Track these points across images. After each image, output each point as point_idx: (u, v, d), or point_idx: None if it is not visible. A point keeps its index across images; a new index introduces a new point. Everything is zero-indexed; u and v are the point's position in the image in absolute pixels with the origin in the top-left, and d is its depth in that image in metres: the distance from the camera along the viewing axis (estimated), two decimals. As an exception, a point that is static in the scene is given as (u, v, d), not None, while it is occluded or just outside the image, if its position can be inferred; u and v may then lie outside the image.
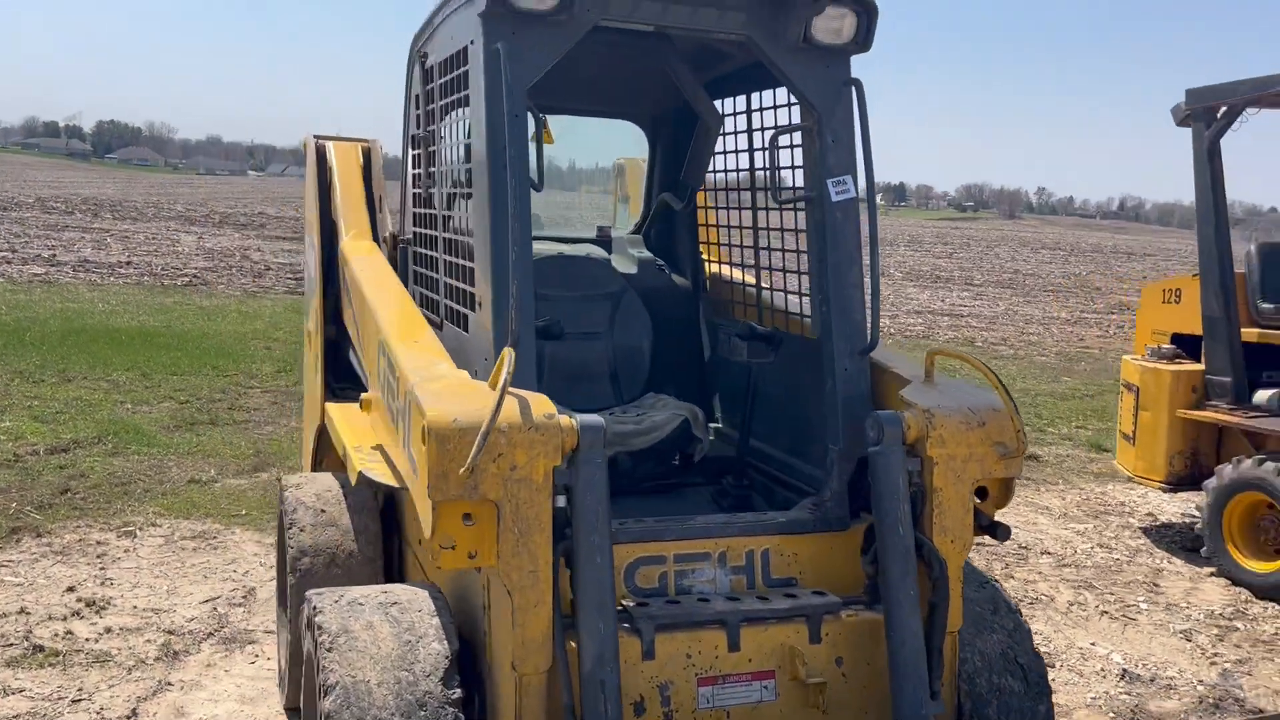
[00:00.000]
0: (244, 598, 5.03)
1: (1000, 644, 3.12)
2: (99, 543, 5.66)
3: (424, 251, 3.77)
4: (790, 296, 3.66)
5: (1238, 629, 5.34)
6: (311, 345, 4.48)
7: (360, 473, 3.10)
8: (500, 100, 2.86)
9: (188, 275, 18.40)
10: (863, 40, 3.14)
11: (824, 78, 3.16)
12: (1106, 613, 5.51)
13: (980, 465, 2.89)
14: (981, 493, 2.94)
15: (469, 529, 2.51)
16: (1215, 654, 5.00)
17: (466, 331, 3.11)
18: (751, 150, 3.83)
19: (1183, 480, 6.65)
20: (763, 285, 3.80)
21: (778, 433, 3.62)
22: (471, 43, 3.01)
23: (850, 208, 3.21)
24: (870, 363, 3.19)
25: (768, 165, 3.36)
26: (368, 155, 4.70)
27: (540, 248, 4.00)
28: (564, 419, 2.52)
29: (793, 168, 3.47)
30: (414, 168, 3.95)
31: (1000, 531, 2.94)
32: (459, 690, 2.61)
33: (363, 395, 3.41)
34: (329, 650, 2.60)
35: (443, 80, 3.39)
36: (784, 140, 3.38)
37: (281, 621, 4.27)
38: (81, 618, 4.70)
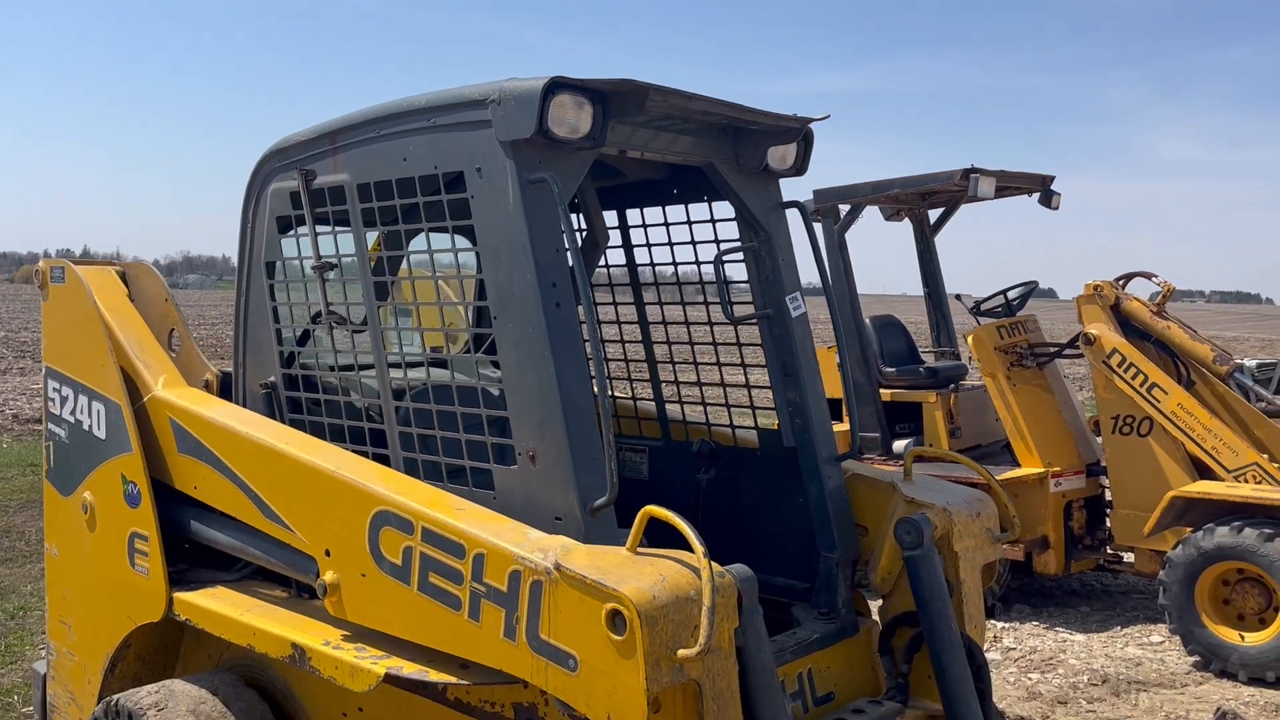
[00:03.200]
0: None
1: None
2: None
3: (330, 398, 3.23)
4: (716, 408, 3.71)
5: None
6: (101, 523, 3.54)
7: (391, 675, 2.58)
8: (554, 230, 2.63)
9: None
10: (800, 165, 3.36)
11: (768, 200, 3.32)
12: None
13: (982, 553, 3.20)
14: None
15: (656, 718, 2.25)
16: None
17: (490, 489, 2.75)
18: (635, 263, 3.84)
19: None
20: (665, 398, 3.80)
21: (726, 547, 3.62)
22: (479, 169, 2.72)
23: (805, 322, 3.39)
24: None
25: (716, 282, 3.41)
26: (125, 282, 3.88)
27: (411, 375, 3.57)
28: (726, 576, 2.37)
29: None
30: (286, 299, 3.36)
31: (997, 610, 3.27)
32: None
33: (325, 578, 2.82)
34: None
35: (382, 204, 2.97)
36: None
37: None
38: None
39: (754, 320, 3.39)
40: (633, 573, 2.26)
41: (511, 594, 2.38)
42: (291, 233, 3.33)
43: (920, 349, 8.29)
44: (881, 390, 7.65)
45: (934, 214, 8.14)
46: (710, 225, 3.53)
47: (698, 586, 2.26)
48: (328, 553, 2.86)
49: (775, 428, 3.44)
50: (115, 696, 3.23)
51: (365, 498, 2.74)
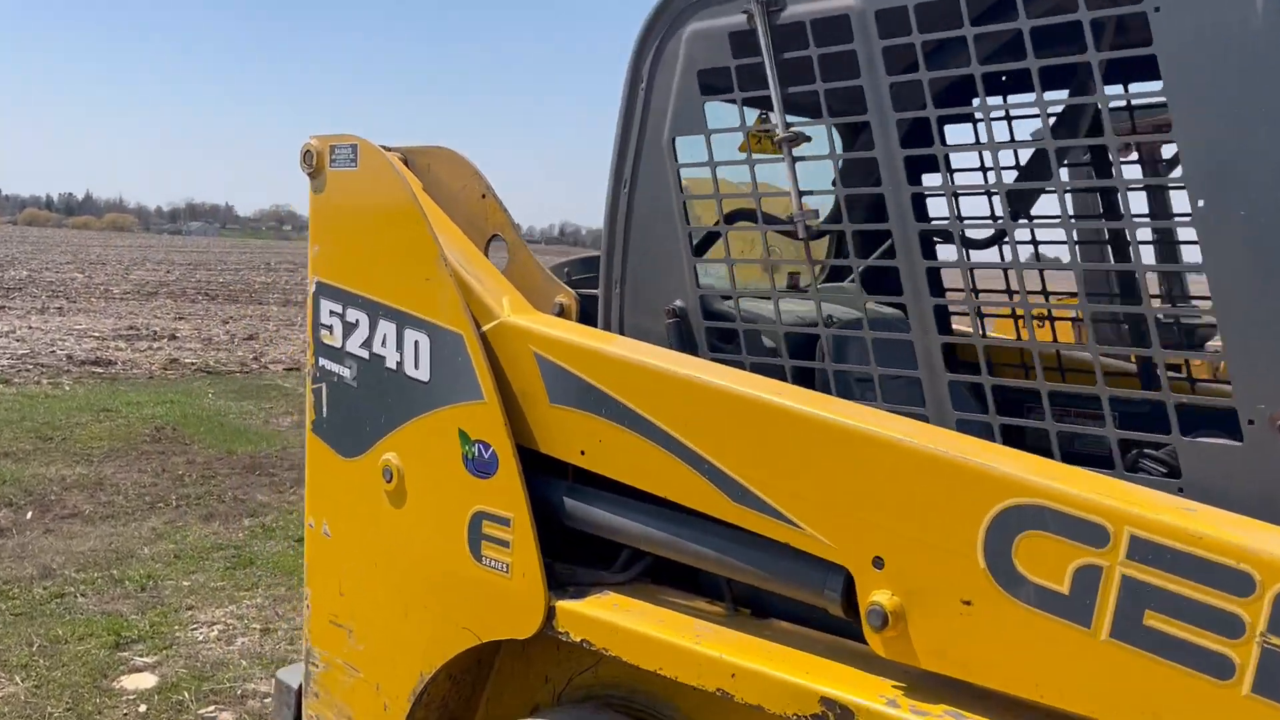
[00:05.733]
0: None
1: None
2: None
3: (794, 329, 2.25)
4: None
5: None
6: (418, 497, 2.57)
7: None
8: None
9: None
10: None
11: None
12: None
13: None
14: None
15: None
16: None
17: (1167, 477, 1.78)
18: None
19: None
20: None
21: None
22: None
23: None
24: None
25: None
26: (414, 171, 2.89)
27: (836, 312, 2.62)
28: None
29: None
30: (715, 190, 2.36)
31: None
32: None
33: (878, 601, 1.84)
34: None
35: (929, 35, 1.96)
36: None
37: None
38: None
39: None
40: None
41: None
42: (728, 94, 2.32)
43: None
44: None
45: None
46: None
47: None
48: (878, 562, 1.88)
49: None
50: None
51: (980, 481, 1.75)
